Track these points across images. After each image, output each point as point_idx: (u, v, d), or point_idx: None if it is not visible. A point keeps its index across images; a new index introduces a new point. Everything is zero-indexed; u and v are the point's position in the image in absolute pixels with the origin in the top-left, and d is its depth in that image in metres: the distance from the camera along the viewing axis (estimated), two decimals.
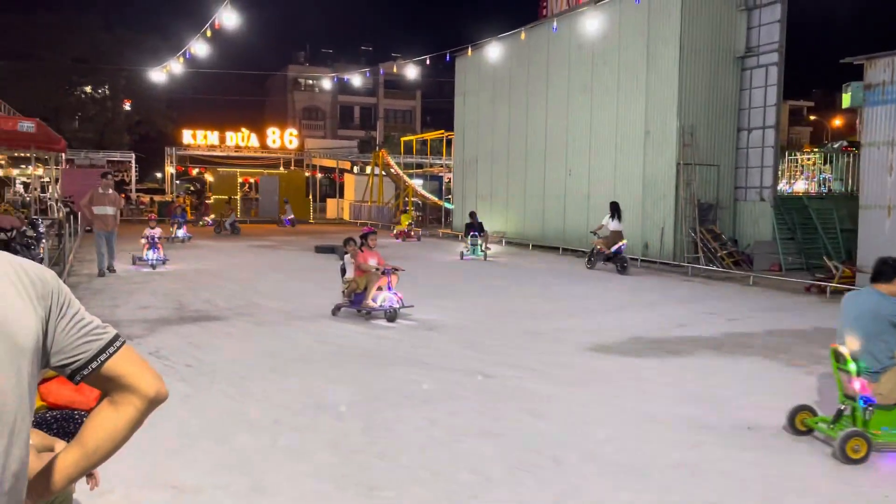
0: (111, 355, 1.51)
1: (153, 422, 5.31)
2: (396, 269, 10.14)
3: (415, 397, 6.20)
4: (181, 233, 22.00)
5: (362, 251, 10.16)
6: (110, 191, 14.01)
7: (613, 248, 16.25)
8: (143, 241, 15.32)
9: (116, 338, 1.54)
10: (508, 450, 4.95)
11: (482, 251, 18.45)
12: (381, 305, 9.72)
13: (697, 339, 9.09)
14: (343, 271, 10.41)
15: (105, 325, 1.55)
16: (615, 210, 16.55)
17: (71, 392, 4.34)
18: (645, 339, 9.00)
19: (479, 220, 19.31)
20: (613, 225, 16.45)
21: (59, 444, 3.84)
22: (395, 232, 26.05)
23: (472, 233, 18.79)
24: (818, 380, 7.14)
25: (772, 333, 9.52)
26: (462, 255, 18.54)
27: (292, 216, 32.67)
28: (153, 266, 14.73)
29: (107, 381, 1.52)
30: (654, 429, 5.47)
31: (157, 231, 15.37)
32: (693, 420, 5.69)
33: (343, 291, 10.17)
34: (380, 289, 9.83)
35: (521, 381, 6.81)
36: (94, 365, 1.50)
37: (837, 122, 53.23)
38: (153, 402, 1.54)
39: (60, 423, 4.25)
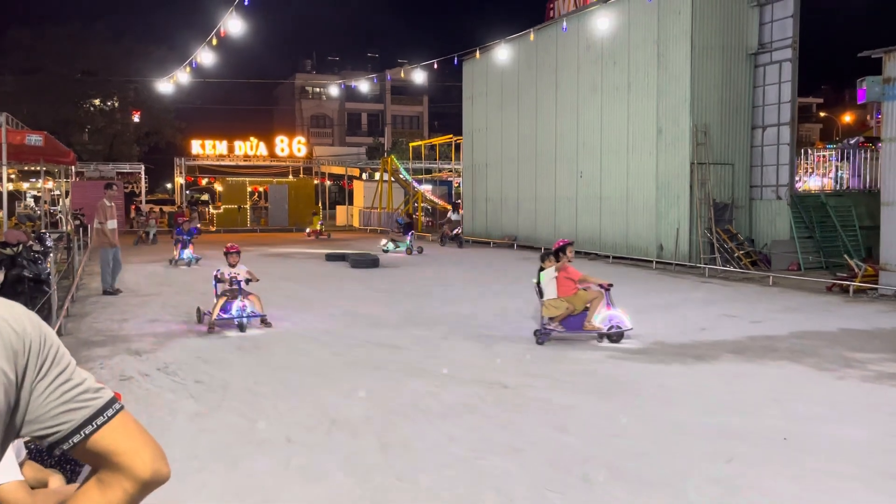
0: (99, 427, 1.26)
1: (160, 443, 5.08)
2: (603, 285, 8.87)
3: (431, 411, 5.96)
4: (187, 254, 18.08)
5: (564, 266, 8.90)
6: (113, 203, 13.23)
7: (453, 232, 25.05)
8: (219, 287, 9.90)
9: (110, 404, 1.29)
10: (533, 467, 4.70)
11: (411, 246, 21.43)
12: (604, 326, 8.71)
13: (720, 342, 8.81)
14: (540, 292, 8.95)
15: (99, 387, 1.30)
16: (455, 206, 27.07)
17: None
18: (666, 344, 8.73)
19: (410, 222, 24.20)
20: (455, 217, 26.17)
21: (55, 479, 3.62)
22: (307, 231, 29.95)
23: (410, 232, 22.53)
24: (850, 385, 6.85)
25: (797, 336, 9.23)
26: (399, 248, 21.43)
27: (198, 225, 32.82)
28: (240, 326, 9.35)
29: (94, 456, 1.27)
30: (685, 441, 5.21)
31: (244, 271, 9.87)
32: (724, 431, 5.43)
33: (550, 317, 8.69)
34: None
35: (541, 391, 6.57)
36: (75, 439, 1.25)
37: (847, 118, 52.89)
38: (148, 486, 1.29)
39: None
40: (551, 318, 8.72)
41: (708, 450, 5.02)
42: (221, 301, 9.55)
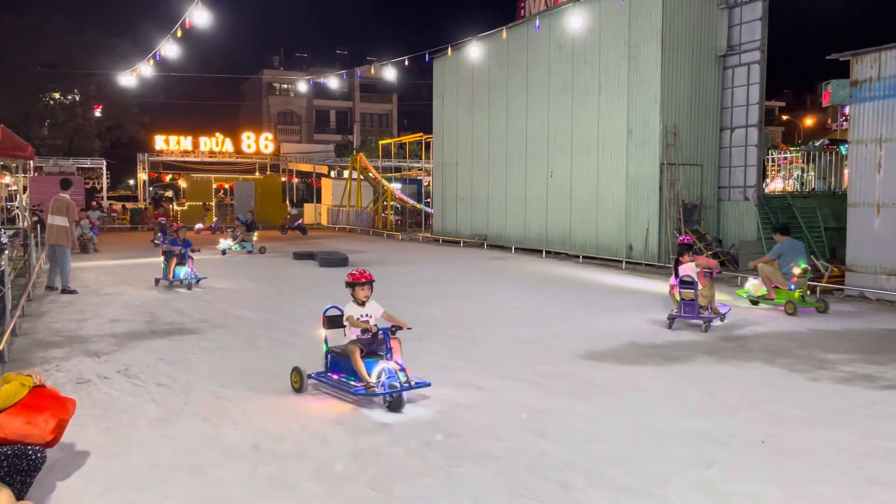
0: None
1: (120, 450, 4.84)
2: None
3: (405, 415, 5.78)
4: (185, 272, 13.38)
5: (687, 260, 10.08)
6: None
7: (295, 223, 30.29)
8: (328, 335, 6.68)
9: None
10: (511, 474, 4.55)
11: (252, 246, 21.16)
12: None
13: (693, 343, 8.78)
14: (686, 283, 9.78)
15: None
16: (293, 203, 33.42)
17: (22, 425, 3.87)
18: (639, 345, 8.67)
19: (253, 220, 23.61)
20: (294, 211, 32.35)
21: (4, 495, 3.38)
22: (196, 228, 30.94)
23: (255, 230, 22.52)
24: (824, 387, 6.84)
25: (768, 336, 9.25)
26: (229, 250, 20.62)
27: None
28: (395, 404, 5.85)
29: None
30: (664, 446, 5.11)
31: (379, 313, 6.51)
32: (703, 434, 5.35)
33: (703, 306, 9.76)
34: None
35: (516, 395, 6.43)
36: None
37: (809, 121, 54.11)
38: None
39: (11, 460, 3.78)
40: (703, 307, 9.75)
41: (687, 454, 4.93)
42: (356, 358, 6.09)
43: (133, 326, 9.61)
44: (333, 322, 6.58)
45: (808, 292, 11.86)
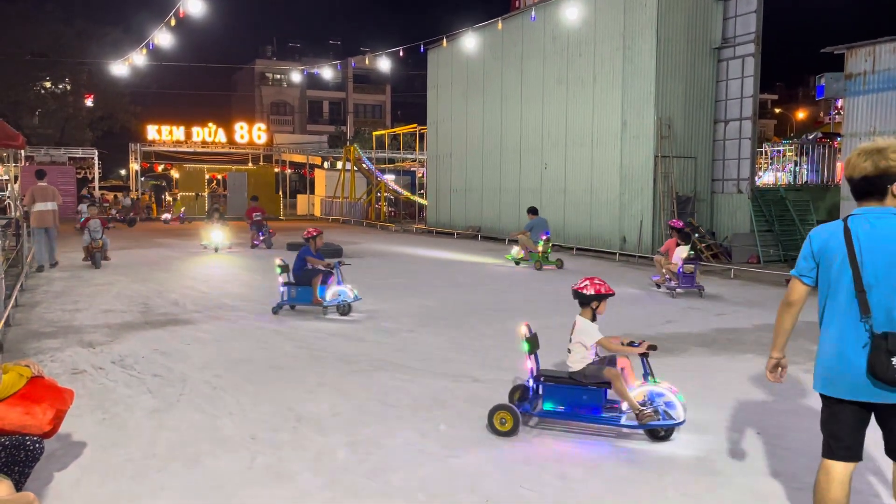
0: None
1: (117, 441, 4.83)
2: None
3: (402, 406, 5.80)
4: (333, 293, 9.80)
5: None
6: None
7: (129, 215, 29.39)
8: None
9: None
10: (508, 464, 4.57)
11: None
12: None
13: (687, 335, 8.82)
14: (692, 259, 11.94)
15: None
16: (126, 192, 30.79)
17: (20, 415, 3.86)
18: (633, 336, 8.64)
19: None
20: (126, 202, 30.19)
21: (4, 486, 3.37)
22: (164, 217, 31.49)
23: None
24: None
25: (761, 328, 9.29)
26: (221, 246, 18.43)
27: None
28: None
29: None
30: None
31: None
32: (699, 426, 5.37)
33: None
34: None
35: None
36: None
37: (801, 114, 54.33)
38: None
39: (10, 451, 3.77)
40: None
41: (683, 445, 4.95)
42: (622, 384, 5.06)
43: (127, 317, 9.58)
44: (535, 343, 5.40)
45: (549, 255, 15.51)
